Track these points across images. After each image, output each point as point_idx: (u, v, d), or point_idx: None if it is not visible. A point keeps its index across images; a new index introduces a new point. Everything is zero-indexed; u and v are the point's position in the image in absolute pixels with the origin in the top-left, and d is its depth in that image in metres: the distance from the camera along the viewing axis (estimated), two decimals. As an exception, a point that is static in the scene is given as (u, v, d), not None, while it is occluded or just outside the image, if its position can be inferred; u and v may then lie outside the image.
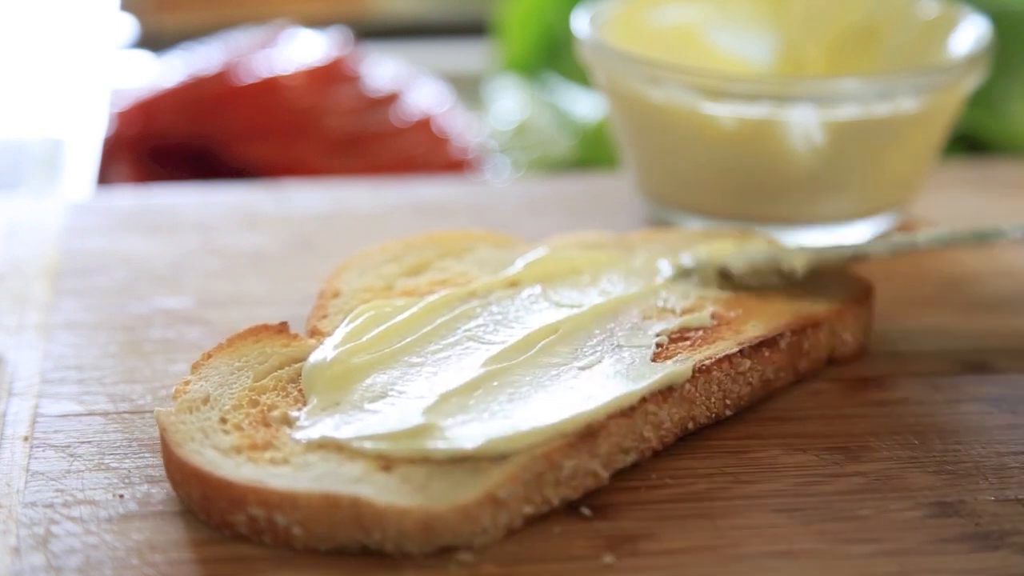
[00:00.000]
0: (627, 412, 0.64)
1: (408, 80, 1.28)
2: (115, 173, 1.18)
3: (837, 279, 0.76)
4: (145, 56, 1.44)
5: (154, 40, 1.50)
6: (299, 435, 0.63)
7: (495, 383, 0.65)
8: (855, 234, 0.87)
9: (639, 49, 0.88)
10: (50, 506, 0.62)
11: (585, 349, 0.69)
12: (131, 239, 0.88)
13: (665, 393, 0.66)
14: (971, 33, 0.89)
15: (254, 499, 0.59)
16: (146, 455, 0.66)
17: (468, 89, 1.39)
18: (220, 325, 0.77)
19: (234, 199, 0.95)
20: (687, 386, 0.66)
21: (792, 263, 0.75)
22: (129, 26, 1.55)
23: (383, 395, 0.65)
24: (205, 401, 0.65)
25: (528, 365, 0.67)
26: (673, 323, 0.71)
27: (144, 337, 0.76)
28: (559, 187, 1.00)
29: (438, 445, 0.61)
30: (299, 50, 1.26)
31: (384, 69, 1.28)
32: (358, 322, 0.70)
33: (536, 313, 0.72)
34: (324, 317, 0.72)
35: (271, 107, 1.20)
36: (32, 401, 0.70)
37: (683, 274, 0.76)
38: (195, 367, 0.68)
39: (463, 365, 0.67)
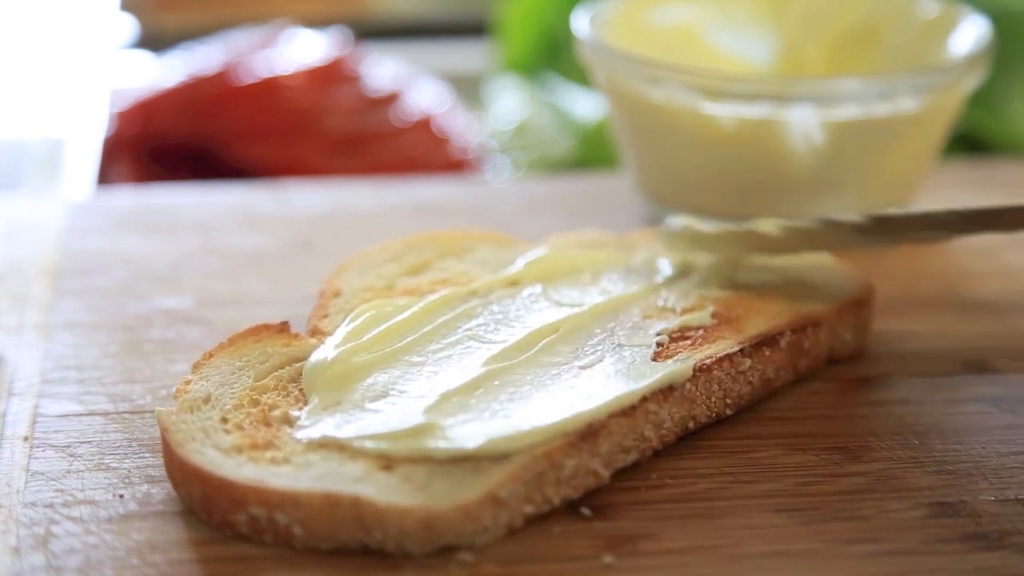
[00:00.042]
0: (628, 411, 0.64)
1: (408, 80, 1.28)
2: (115, 173, 1.18)
3: (837, 279, 0.76)
4: (145, 56, 1.44)
5: (154, 40, 1.50)
6: (300, 434, 0.63)
7: (496, 382, 0.65)
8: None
9: (639, 49, 0.88)
10: (50, 506, 0.62)
11: (586, 348, 0.69)
12: (131, 239, 0.88)
13: (666, 392, 0.66)
14: (971, 33, 0.89)
15: (255, 499, 0.59)
16: (146, 455, 0.66)
17: (468, 89, 1.39)
18: (220, 325, 0.77)
19: (234, 199, 0.95)
20: (688, 385, 0.66)
21: (764, 229, 0.75)
22: (129, 26, 1.55)
23: (384, 394, 0.65)
24: (206, 401, 0.65)
25: (529, 364, 0.67)
26: (674, 322, 0.71)
27: (144, 337, 0.76)
28: (559, 187, 1.00)
29: (439, 444, 0.61)
30: (299, 50, 1.26)
31: (384, 69, 1.28)
32: (359, 321, 0.70)
33: (537, 312, 0.72)
34: (325, 316, 0.72)
35: (271, 107, 1.20)
36: (32, 401, 0.70)
37: (671, 241, 0.77)
38: (196, 367, 0.68)
39: (464, 364, 0.67)
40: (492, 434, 0.61)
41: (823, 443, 0.68)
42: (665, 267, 0.77)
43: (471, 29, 1.55)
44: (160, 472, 0.64)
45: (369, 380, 0.66)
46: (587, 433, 0.62)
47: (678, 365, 0.67)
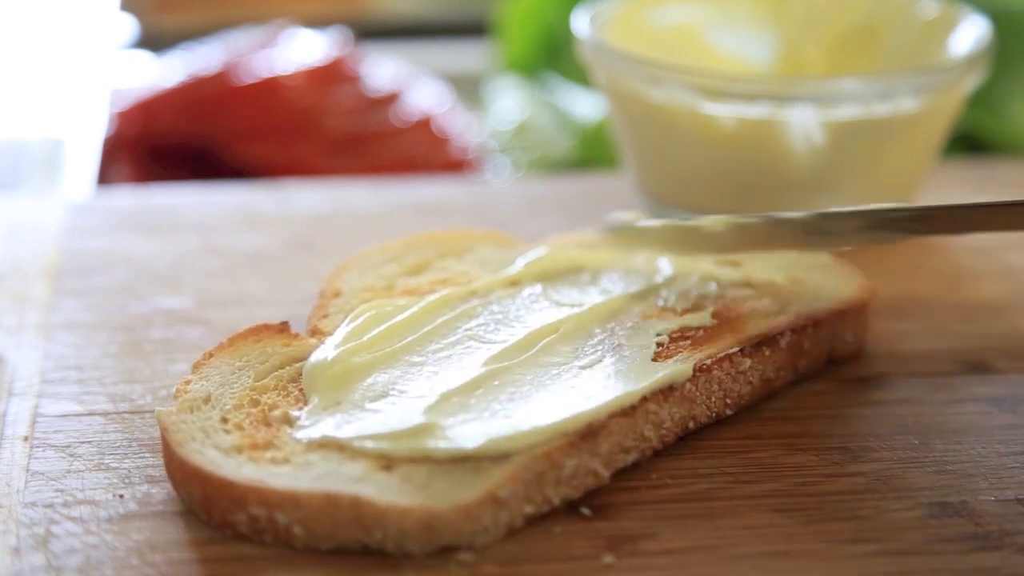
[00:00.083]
0: (628, 411, 0.64)
1: (408, 80, 1.28)
2: (115, 173, 1.18)
3: (837, 279, 0.76)
4: (145, 56, 1.44)
5: (154, 40, 1.50)
6: (300, 434, 0.63)
7: (496, 382, 0.65)
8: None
9: (639, 49, 0.88)
10: (50, 506, 0.62)
11: (586, 348, 0.69)
12: (131, 239, 0.88)
13: (666, 392, 0.66)
14: (971, 33, 0.89)
15: (255, 499, 0.59)
16: (146, 455, 0.66)
17: (468, 89, 1.39)
18: (220, 325, 0.77)
19: (234, 199, 0.95)
20: (688, 385, 0.66)
21: (708, 226, 0.73)
22: (129, 26, 1.55)
23: (384, 394, 0.65)
24: (206, 401, 0.65)
25: (529, 364, 0.67)
26: (674, 322, 0.71)
27: (144, 337, 0.76)
28: (559, 187, 1.00)
29: (439, 444, 0.61)
30: (299, 50, 1.26)
31: (384, 69, 1.28)
32: (359, 321, 0.70)
33: (537, 312, 0.72)
34: (325, 316, 0.72)
35: (271, 107, 1.20)
36: (32, 401, 0.70)
37: (618, 237, 0.76)
38: (196, 367, 0.68)
39: (464, 364, 0.67)
40: (492, 434, 0.61)
41: (823, 443, 0.68)
42: (665, 267, 0.77)
43: (471, 29, 1.55)
44: (160, 472, 0.64)
45: (369, 380, 0.66)
46: (587, 433, 0.62)
47: (678, 365, 0.67)
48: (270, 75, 1.21)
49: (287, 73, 1.22)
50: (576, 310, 0.72)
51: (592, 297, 0.73)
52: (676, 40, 0.94)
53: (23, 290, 0.81)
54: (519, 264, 0.76)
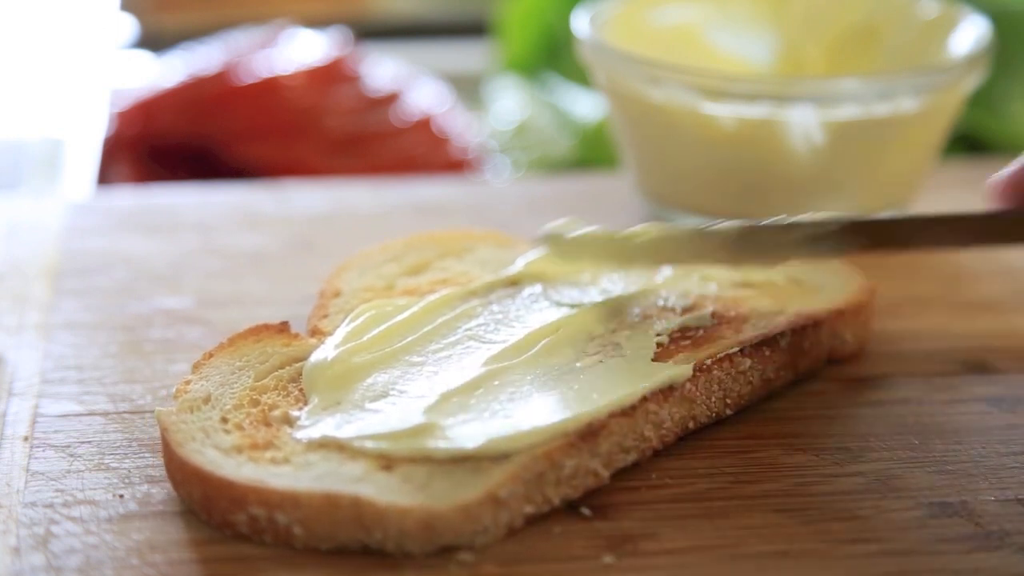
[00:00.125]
0: (628, 411, 0.64)
1: (408, 80, 1.28)
2: (115, 173, 1.18)
3: (837, 279, 0.76)
4: (145, 56, 1.44)
5: (154, 40, 1.50)
6: (300, 434, 0.63)
7: (496, 382, 0.65)
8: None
9: (639, 49, 0.88)
10: (50, 506, 0.62)
11: (586, 348, 0.69)
12: (131, 239, 0.88)
13: (666, 392, 0.66)
14: (971, 33, 0.89)
15: (255, 499, 0.59)
16: (146, 455, 0.66)
17: (468, 89, 1.40)
18: (220, 325, 0.77)
19: (234, 199, 0.95)
20: (688, 385, 0.66)
21: (639, 239, 0.71)
22: (129, 26, 1.55)
23: (384, 394, 0.65)
24: (206, 401, 0.65)
25: (529, 364, 0.67)
26: (674, 322, 0.71)
27: (144, 337, 0.76)
28: (559, 187, 1.00)
29: (439, 444, 0.61)
30: (299, 50, 1.26)
31: (384, 69, 1.28)
32: (359, 321, 0.70)
33: (537, 312, 0.72)
34: (325, 316, 0.73)
35: (271, 107, 1.20)
36: (32, 401, 0.70)
37: (553, 248, 0.74)
38: (196, 367, 0.68)
39: (464, 364, 0.67)
40: (492, 434, 0.61)
41: (823, 443, 0.68)
42: (665, 267, 0.77)
43: (471, 29, 1.55)
44: (160, 472, 0.64)
45: (369, 380, 0.66)
46: (587, 433, 0.62)
47: (678, 365, 0.67)
48: (270, 75, 1.21)
49: (287, 73, 1.22)
50: (576, 310, 0.72)
51: (592, 297, 0.73)
52: (676, 40, 0.94)
53: (23, 290, 0.81)
54: (519, 264, 0.76)
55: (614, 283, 0.75)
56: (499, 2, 1.36)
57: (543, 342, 0.68)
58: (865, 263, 0.78)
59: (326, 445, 0.62)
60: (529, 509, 0.61)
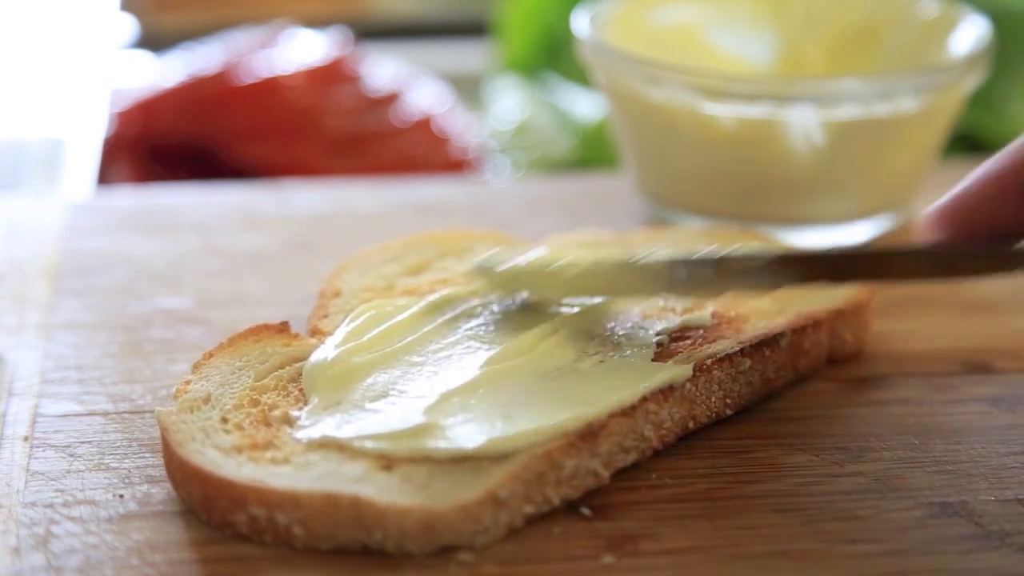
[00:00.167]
0: (628, 411, 0.64)
1: (408, 80, 1.28)
2: (115, 173, 1.18)
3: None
4: (145, 56, 1.44)
5: (154, 40, 1.50)
6: (300, 434, 0.63)
7: (496, 382, 0.65)
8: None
9: (639, 49, 0.88)
10: (50, 506, 0.62)
11: (586, 348, 0.69)
12: (131, 239, 0.88)
13: (666, 392, 0.66)
14: (971, 33, 0.89)
15: (255, 499, 0.59)
16: (146, 455, 0.66)
17: (468, 89, 1.40)
18: (220, 325, 0.77)
19: (234, 199, 0.95)
20: (688, 385, 0.66)
21: (569, 271, 0.70)
22: (129, 26, 1.55)
23: (384, 394, 0.65)
24: (206, 401, 0.65)
25: (529, 364, 0.67)
26: (674, 322, 0.71)
27: (144, 337, 0.76)
28: (559, 187, 1.00)
29: (439, 444, 0.61)
30: (299, 50, 1.26)
31: (384, 69, 1.28)
32: (359, 321, 0.70)
33: (537, 312, 0.72)
34: (325, 316, 0.72)
35: (271, 107, 1.20)
36: (32, 401, 0.70)
37: (487, 278, 0.72)
38: (196, 367, 0.68)
39: (464, 364, 0.67)
40: (492, 434, 0.61)
41: (823, 443, 0.68)
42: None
43: (471, 29, 1.55)
44: (160, 472, 0.64)
45: (369, 380, 0.66)
46: (587, 433, 0.62)
47: (678, 365, 0.67)
48: (270, 75, 1.21)
49: (287, 73, 1.22)
50: (576, 310, 0.72)
51: (592, 297, 0.73)
52: (676, 40, 0.94)
53: (23, 290, 0.81)
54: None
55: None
56: (499, 2, 1.36)
57: (543, 342, 0.68)
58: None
59: (326, 445, 0.62)
60: (529, 509, 0.61)
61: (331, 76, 1.23)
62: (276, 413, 0.64)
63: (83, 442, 0.67)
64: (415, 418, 0.62)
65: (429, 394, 0.64)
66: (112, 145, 1.19)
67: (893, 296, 0.81)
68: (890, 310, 0.79)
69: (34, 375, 0.72)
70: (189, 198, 0.95)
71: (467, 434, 0.61)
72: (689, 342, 0.70)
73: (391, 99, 1.24)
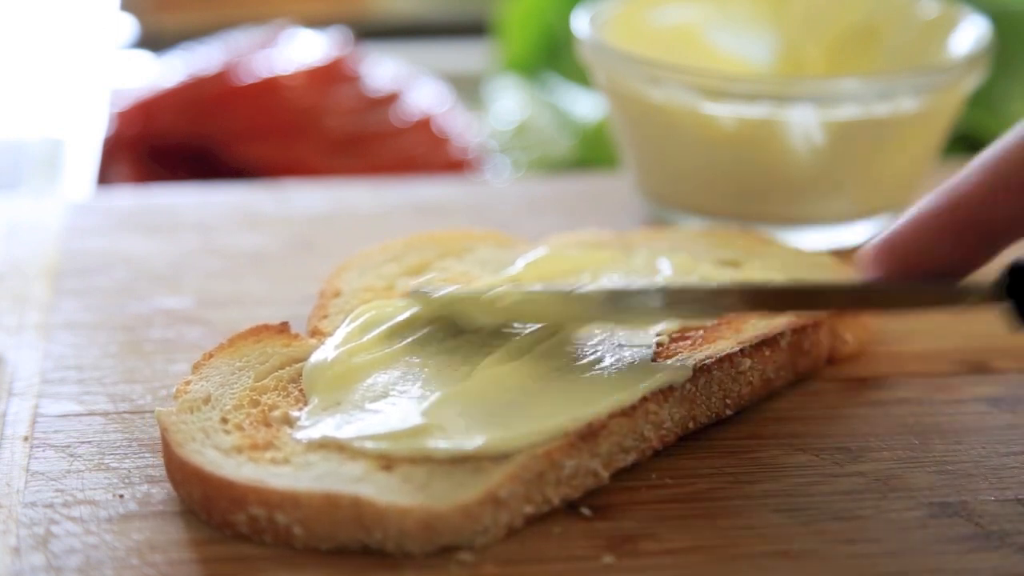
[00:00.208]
0: (628, 411, 0.64)
1: (408, 80, 1.28)
2: (115, 173, 1.18)
3: (837, 278, 0.76)
4: (145, 56, 1.44)
5: (154, 40, 1.50)
6: (300, 435, 0.63)
7: (496, 383, 0.65)
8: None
9: (639, 49, 0.88)
10: (50, 506, 0.62)
11: (586, 348, 0.69)
12: (131, 239, 0.88)
13: (666, 392, 0.66)
14: (971, 33, 0.89)
15: (255, 499, 0.59)
16: (146, 455, 0.66)
17: (468, 89, 1.40)
18: (220, 325, 0.77)
19: (234, 199, 0.95)
20: (688, 385, 0.66)
21: (502, 301, 0.69)
22: (129, 26, 1.55)
23: (384, 395, 0.65)
24: (206, 401, 0.65)
25: (529, 364, 0.67)
26: (674, 322, 0.71)
27: (144, 337, 0.76)
28: (559, 187, 1.00)
29: (439, 445, 0.61)
30: (299, 50, 1.26)
31: (384, 69, 1.28)
32: (359, 322, 0.70)
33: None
34: (325, 317, 0.72)
35: (271, 107, 1.20)
36: (32, 401, 0.70)
37: (422, 303, 0.70)
38: (196, 367, 0.68)
39: (464, 365, 0.67)
40: (492, 434, 0.61)
41: (823, 443, 0.68)
42: (665, 267, 0.76)
43: (471, 29, 1.55)
44: (160, 472, 0.64)
45: (369, 380, 0.66)
46: (587, 433, 0.62)
47: (678, 365, 0.67)
48: (270, 75, 1.21)
49: (287, 73, 1.22)
50: (576, 310, 0.71)
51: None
52: (676, 40, 0.94)
53: (23, 290, 0.81)
54: (519, 264, 0.76)
55: (614, 283, 0.75)
56: (499, 2, 1.36)
57: (543, 342, 0.68)
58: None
59: (326, 445, 0.62)
60: (529, 509, 0.61)
61: (331, 76, 1.23)
62: (276, 413, 0.64)
63: (83, 442, 0.67)
64: (415, 418, 0.62)
65: (429, 394, 0.64)
66: (112, 145, 1.19)
67: (893, 296, 0.80)
68: (890, 310, 0.79)
69: (34, 375, 0.72)
70: (189, 198, 0.95)
71: (467, 434, 0.61)
72: (689, 342, 0.70)
73: (391, 99, 1.24)
